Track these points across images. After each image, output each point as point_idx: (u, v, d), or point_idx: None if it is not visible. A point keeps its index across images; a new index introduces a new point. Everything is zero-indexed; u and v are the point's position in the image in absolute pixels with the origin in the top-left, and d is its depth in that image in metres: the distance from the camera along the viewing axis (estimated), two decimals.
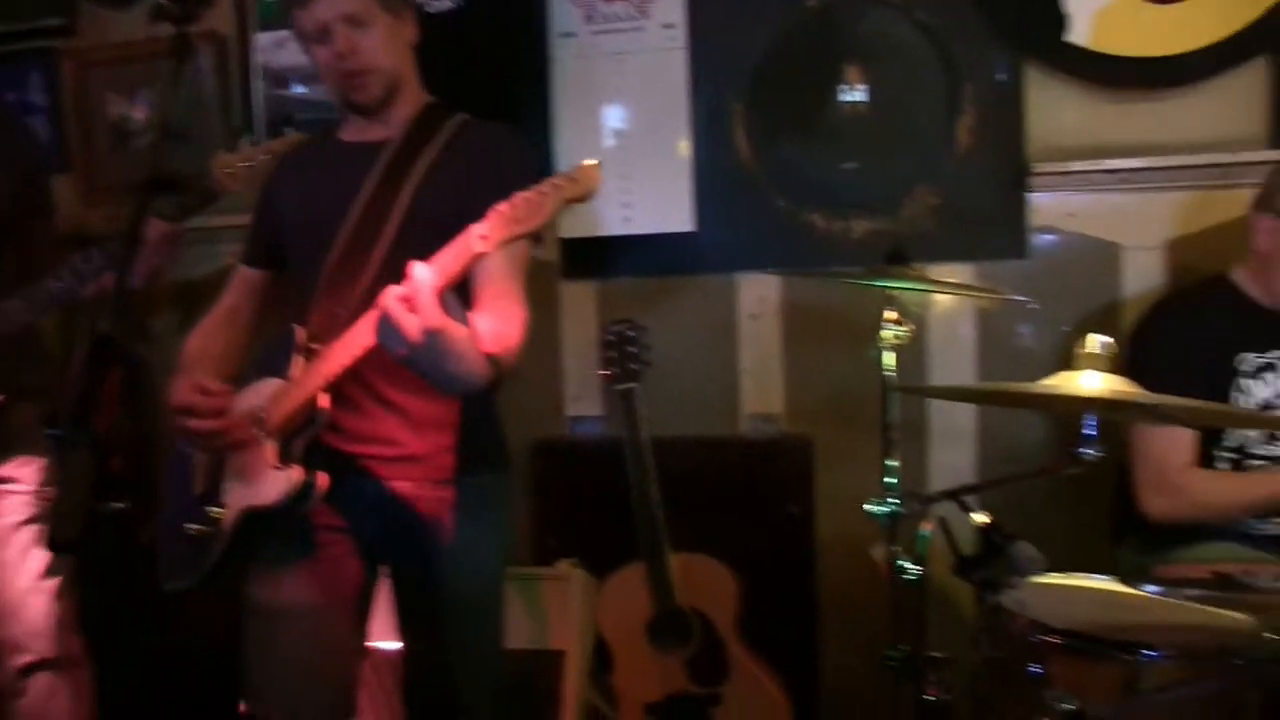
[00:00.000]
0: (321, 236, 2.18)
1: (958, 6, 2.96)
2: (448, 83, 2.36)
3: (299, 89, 3.39)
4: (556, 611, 2.98)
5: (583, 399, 3.29)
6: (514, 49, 3.22)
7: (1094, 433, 1.77)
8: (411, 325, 1.69)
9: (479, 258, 1.71)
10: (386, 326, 1.71)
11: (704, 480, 3.09)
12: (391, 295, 1.70)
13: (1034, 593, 2.12)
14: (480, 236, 1.69)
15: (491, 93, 3.19)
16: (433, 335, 1.70)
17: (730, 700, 2.91)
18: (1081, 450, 1.78)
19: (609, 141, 3.20)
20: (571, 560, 3.03)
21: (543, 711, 2.90)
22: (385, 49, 2.19)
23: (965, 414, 3.03)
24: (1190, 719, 1.87)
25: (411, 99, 2.27)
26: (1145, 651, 1.89)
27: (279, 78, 3.39)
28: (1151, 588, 2.13)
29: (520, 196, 1.68)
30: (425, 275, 1.69)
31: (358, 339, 1.90)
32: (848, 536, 2.96)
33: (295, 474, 1.99)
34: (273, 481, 2.00)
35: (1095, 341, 1.84)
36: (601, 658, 2.99)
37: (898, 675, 2.21)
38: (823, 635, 3.09)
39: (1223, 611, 2.06)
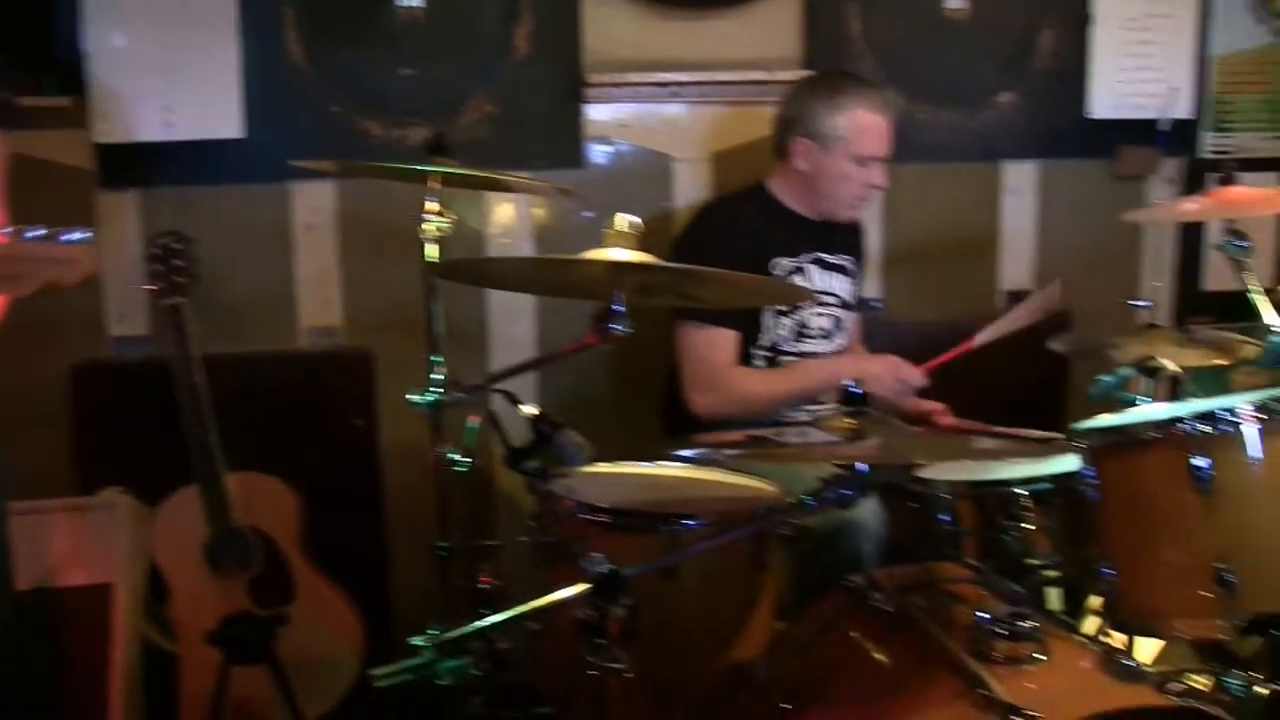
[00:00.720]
0: None
1: None
2: None
3: None
4: (101, 542, 2.75)
5: (127, 318, 3.03)
6: None
7: (622, 308, 1.81)
8: None
9: None
10: None
11: (262, 397, 2.94)
12: None
13: (584, 479, 2.18)
14: None
15: None
16: None
17: (297, 619, 2.80)
18: (612, 326, 1.81)
19: (144, 36, 2.93)
20: (119, 488, 2.80)
21: (93, 648, 2.68)
22: None
23: (525, 323, 3.06)
24: (717, 566, 1.97)
25: None
26: (683, 522, 2.00)
27: None
28: (697, 451, 2.22)
29: None
30: None
31: None
32: (413, 443, 2.90)
33: None
34: None
35: (623, 220, 1.88)
36: (158, 588, 2.79)
37: (448, 567, 2.20)
38: (392, 543, 3.04)
39: (752, 482, 2.20)
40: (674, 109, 3.05)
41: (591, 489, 2.14)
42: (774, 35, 3.09)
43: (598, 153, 3.03)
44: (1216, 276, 3.56)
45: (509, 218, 3.04)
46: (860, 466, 1.83)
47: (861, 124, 2.70)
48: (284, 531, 2.81)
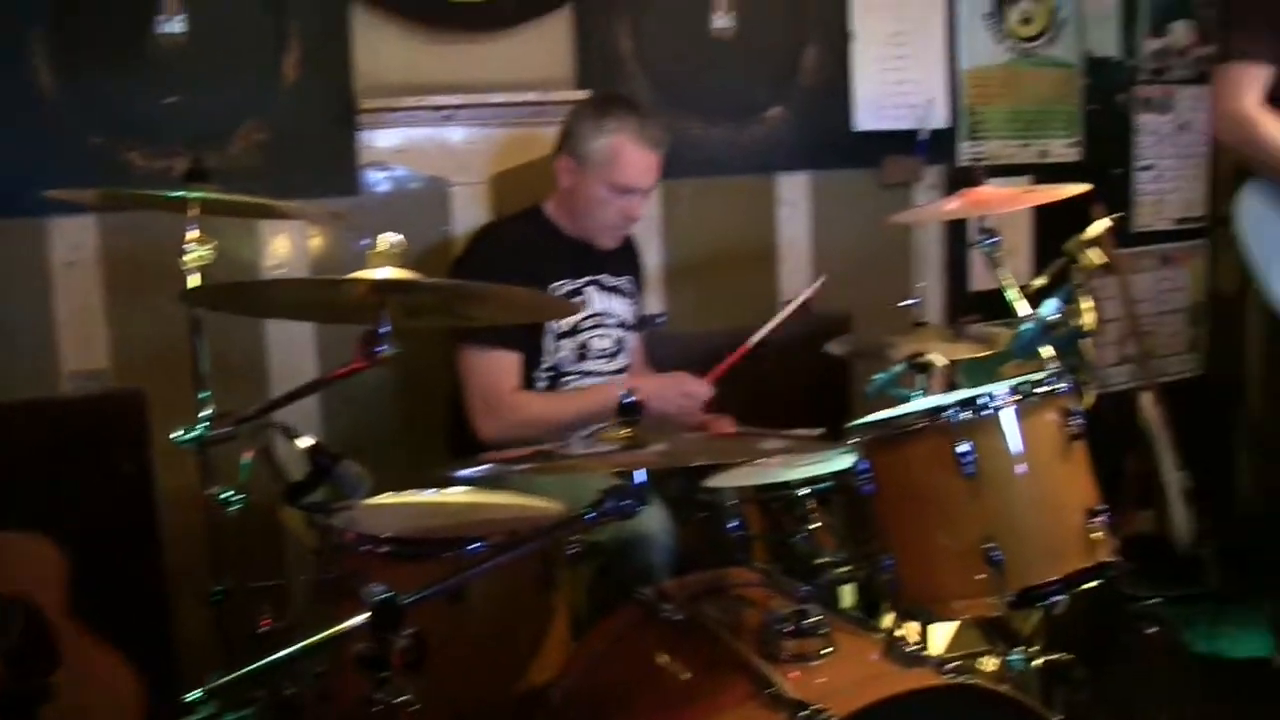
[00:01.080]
0: None
1: None
2: None
3: None
4: None
5: None
6: None
7: (388, 328, 1.77)
8: None
9: None
10: None
11: (22, 450, 2.74)
12: None
13: (366, 511, 2.12)
14: None
15: None
16: None
17: (65, 690, 2.61)
18: (378, 348, 1.77)
19: None
20: None
21: None
22: None
23: (306, 355, 2.95)
24: (505, 588, 1.94)
25: None
26: (467, 545, 1.96)
27: None
28: (480, 470, 2.18)
29: None
30: None
31: None
32: (191, 486, 2.77)
33: None
34: None
35: (387, 240, 1.84)
36: None
37: (226, 613, 2.10)
38: (173, 593, 2.88)
39: (536, 502, 2.18)
40: (449, 132, 3.02)
41: (373, 520, 2.08)
42: (547, 56, 3.10)
43: (373, 179, 2.96)
44: (983, 277, 3.74)
45: (284, 248, 2.94)
46: (637, 474, 1.83)
47: (622, 153, 2.68)
48: (48, 595, 2.61)
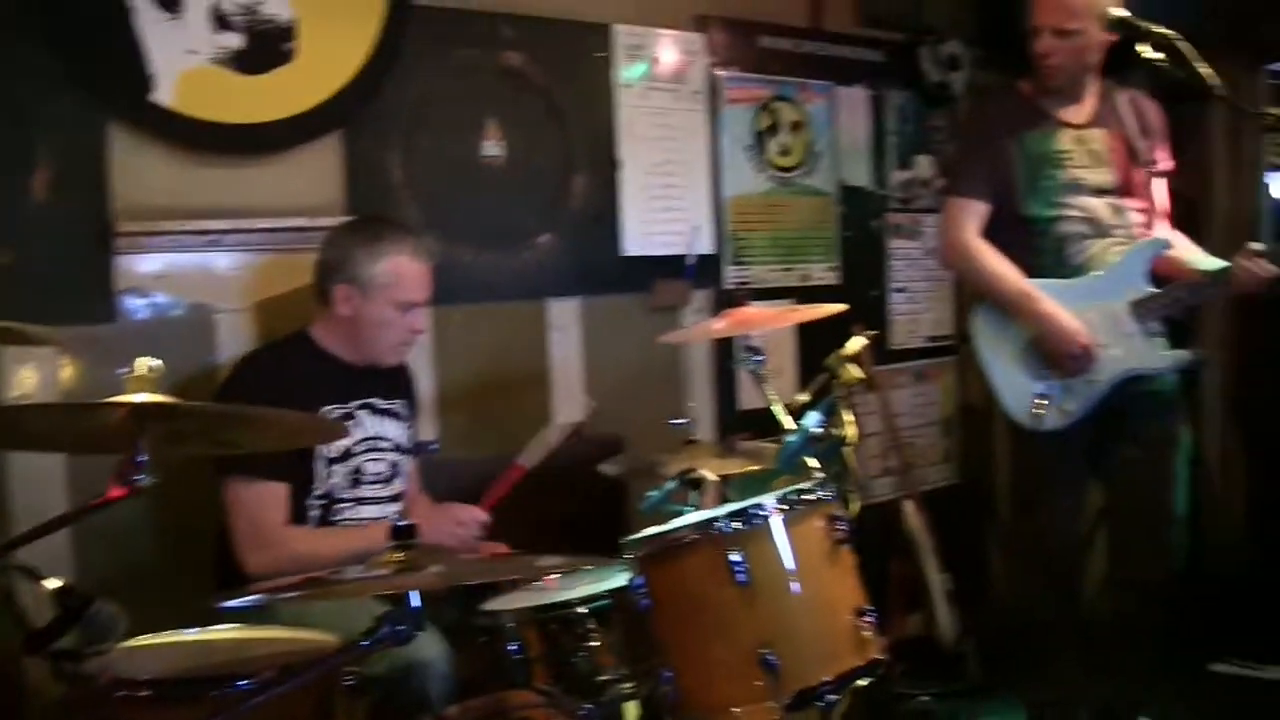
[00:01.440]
0: None
1: (32, 54, 2.72)
2: None
3: None
4: None
5: None
6: None
7: (145, 458, 1.70)
8: None
9: None
10: None
11: None
12: None
13: (123, 654, 1.99)
14: None
15: None
16: None
17: None
18: (135, 477, 1.69)
19: None
20: None
21: None
22: None
23: (54, 491, 2.75)
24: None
25: None
26: (234, 684, 1.86)
27: None
28: (249, 599, 2.08)
29: None
30: None
31: None
32: None
33: None
34: None
35: (144, 364, 1.78)
36: None
37: None
38: None
39: (308, 635, 2.10)
40: (215, 258, 2.93)
41: (132, 663, 1.96)
42: (316, 183, 3.08)
43: (133, 305, 2.85)
44: (751, 395, 3.88)
45: (32, 379, 2.77)
46: (412, 598, 1.80)
47: (402, 271, 2.72)
48: None
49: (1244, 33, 4.41)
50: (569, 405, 3.53)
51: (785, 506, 2.07)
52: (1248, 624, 4.13)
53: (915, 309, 4.41)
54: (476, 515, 2.72)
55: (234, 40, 2.94)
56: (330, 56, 3.08)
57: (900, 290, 4.36)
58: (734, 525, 2.01)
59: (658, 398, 3.70)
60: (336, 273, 2.73)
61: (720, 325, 2.77)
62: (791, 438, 2.42)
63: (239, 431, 1.96)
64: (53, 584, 1.83)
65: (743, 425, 3.79)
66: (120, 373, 2.72)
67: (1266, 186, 4.85)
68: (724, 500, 2.66)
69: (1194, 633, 3.34)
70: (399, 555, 1.86)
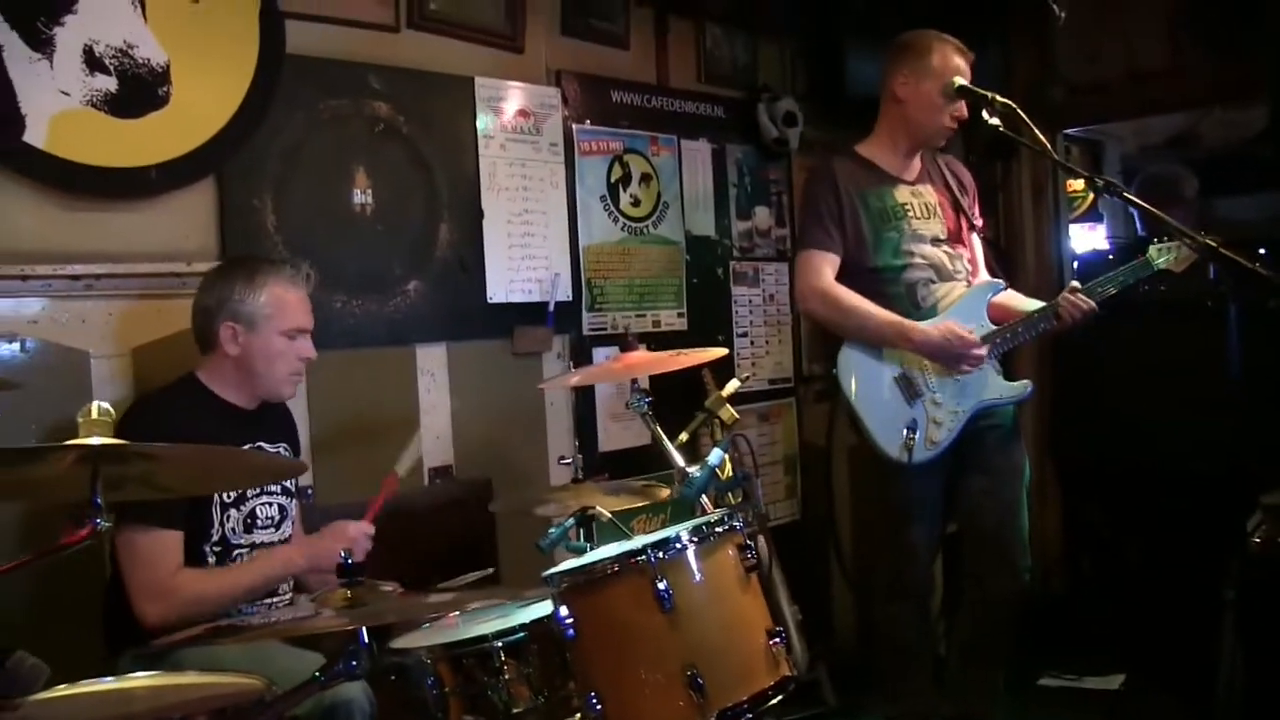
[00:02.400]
0: None
1: None
2: None
3: None
4: None
5: None
6: None
7: (99, 500, 1.69)
8: None
9: None
10: None
11: None
12: None
13: (40, 706, 1.95)
14: None
15: None
16: None
17: None
18: (96, 520, 1.68)
19: None
20: None
21: None
22: None
23: None
24: None
25: None
26: None
27: None
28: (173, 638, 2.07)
29: None
30: None
31: None
32: None
33: None
34: None
35: (95, 408, 1.77)
36: None
37: None
38: None
39: (235, 679, 2.10)
40: (88, 303, 2.88)
41: (52, 714, 1.92)
42: (190, 228, 3.06)
43: (3, 350, 2.76)
44: (610, 438, 4.01)
45: None
46: (362, 635, 1.84)
47: (283, 298, 2.75)
48: None
49: (1040, 100, 4.89)
50: (438, 448, 3.58)
51: (697, 538, 2.21)
52: (1067, 641, 4.51)
53: (757, 353, 4.64)
54: (363, 528, 2.75)
55: (107, 83, 2.90)
56: (204, 102, 3.07)
57: (743, 335, 4.58)
58: (657, 555, 2.12)
59: (523, 441, 3.79)
60: (219, 312, 2.72)
61: (618, 367, 2.90)
62: (697, 473, 2.56)
63: (176, 471, 1.96)
64: None
65: (603, 466, 3.93)
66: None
67: (1068, 238, 5.35)
68: (612, 535, 2.77)
69: (1022, 650, 3.62)
70: (343, 593, 1.89)
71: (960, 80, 3.30)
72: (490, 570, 2.75)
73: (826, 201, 3.44)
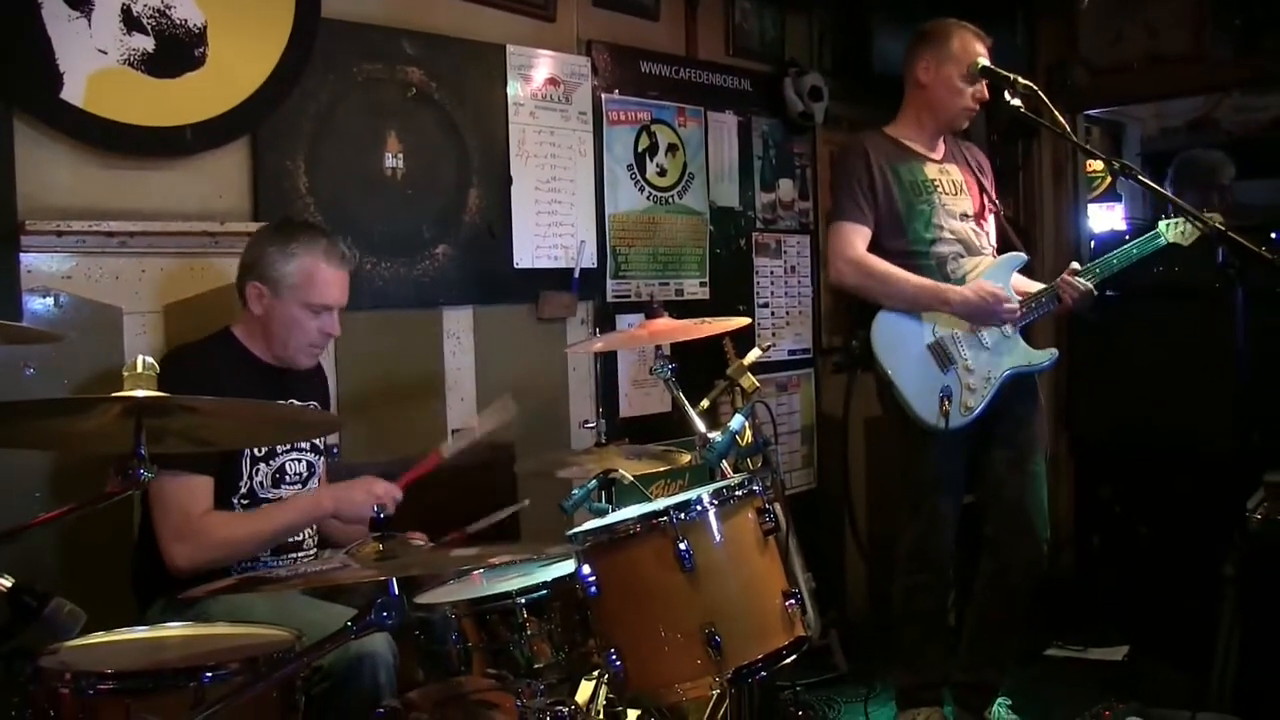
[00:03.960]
0: None
1: None
2: None
3: None
4: None
5: None
6: None
7: (144, 451, 1.74)
8: None
9: None
10: None
11: None
12: None
13: (79, 651, 2.02)
14: None
15: None
16: None
17: None
18: (141, 471, 1.73)
19: None
20: None
21: None
22: None
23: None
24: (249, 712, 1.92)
25: None
26: (207, 674, 1.91)
27: None
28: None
29: None
30: None
31: None
32: None
33: None
34: None
35: (140, 361, 1.82)
36: None
37: None
38: None
39: (264, 630, 2.17)
40: (122, 260, 2.93)
41: (90, 658, 1.98)
42: (223, 188, 3.10)
43: (38, 305, 2.81)
44: (632, 404, 4.06)
45: None
46: (393, 587, 1.89)
47: (313, 273, 2.75)
48: None
49: (1062, 80, 4.91)
50: (462, 410, 3.63)
51: (718, 500, 2.25)
52: (1075, 613, 4.56)
53: (778, 323, 4.68)
54: (393, 491, 2.76)
55: (145, 43, 2.94)
56: (240, 63, 3.11)
57: (764, 305, 4.62)
58: (679, 517, 2.17)
59: (546, 404, 3.84)
60: (250, 271, 2.76)
61: (645, 334, 2.94)
62: (718, 438, 2.60)
63: (222, 424, 2.00)
64: (4, 583, 1.83)
65: (624, 432, 3.98)
66: (27, 373, 2.73)
67: (1087, 218, 5.36)
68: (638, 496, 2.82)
69: (1031, 621, 3.66)
70: (376, 546, 1.95)
71: (983, 60, 3.35)
72: (526, 503, 2.83)
73: (859, 175, 3.48)
